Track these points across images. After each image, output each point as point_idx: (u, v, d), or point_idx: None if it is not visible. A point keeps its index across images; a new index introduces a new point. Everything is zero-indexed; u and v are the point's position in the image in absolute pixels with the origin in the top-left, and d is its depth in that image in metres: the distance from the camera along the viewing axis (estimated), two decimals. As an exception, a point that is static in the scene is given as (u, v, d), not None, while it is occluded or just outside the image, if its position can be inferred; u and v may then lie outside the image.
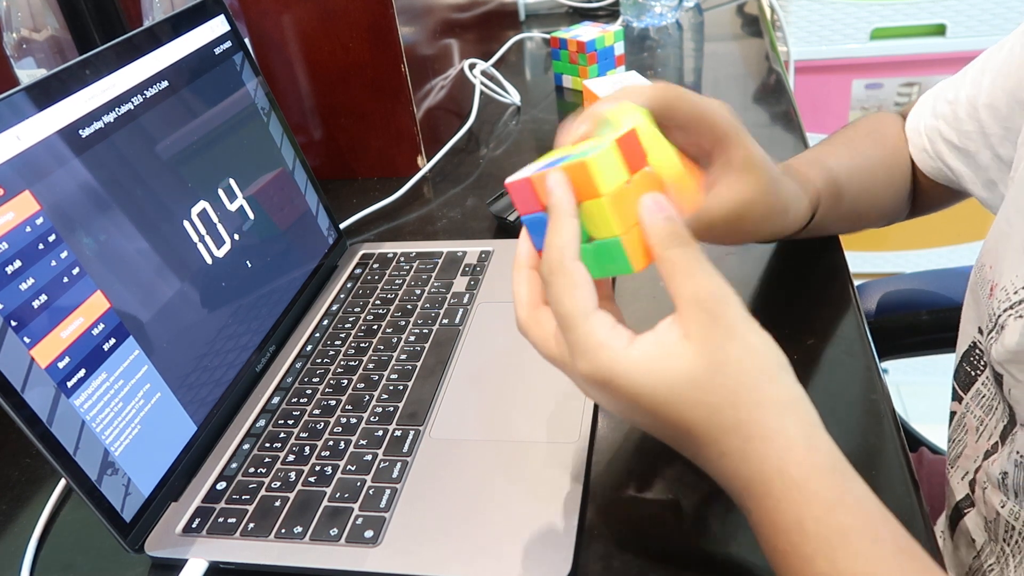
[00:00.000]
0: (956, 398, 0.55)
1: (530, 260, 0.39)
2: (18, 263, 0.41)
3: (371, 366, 0.56)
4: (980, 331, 0.52)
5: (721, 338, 0.33)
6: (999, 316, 0.46)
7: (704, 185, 0.46)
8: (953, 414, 0.56)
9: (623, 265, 0.36)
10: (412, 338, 0.58)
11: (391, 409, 0.52)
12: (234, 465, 0.49)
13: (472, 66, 0.98)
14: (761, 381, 0.34)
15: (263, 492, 0.47)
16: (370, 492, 0.46)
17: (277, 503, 0.46)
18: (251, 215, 0.60)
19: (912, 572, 0.31)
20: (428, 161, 0.85)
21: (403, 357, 0.57)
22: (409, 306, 0.62)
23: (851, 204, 0.58)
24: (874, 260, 1.69)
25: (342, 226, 0.74)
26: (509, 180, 0.39)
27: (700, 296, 0.34)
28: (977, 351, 0.53)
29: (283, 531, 0.44)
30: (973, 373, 0.53)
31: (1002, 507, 0.48)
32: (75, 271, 0.44)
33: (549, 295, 0.36)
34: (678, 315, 0.34)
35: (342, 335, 0.60)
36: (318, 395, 0.54)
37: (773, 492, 0.33)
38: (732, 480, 0.34)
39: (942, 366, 0.58)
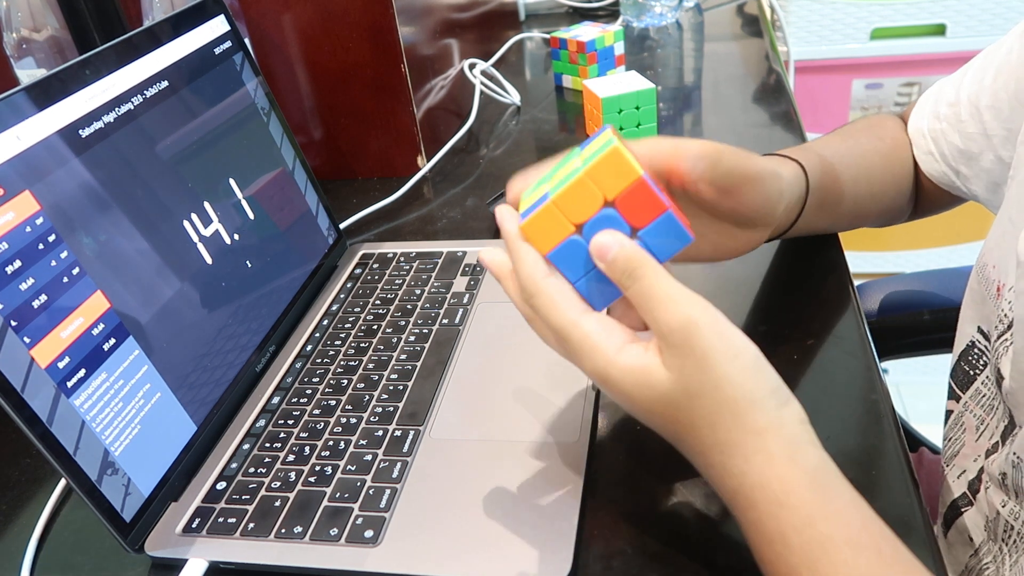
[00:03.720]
0: (953, 397, 0.55)
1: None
2: (18, 263, 0.41)
3: (371, 366, 0.56)
4: (980, 331, 0.52)
5: (693, 370, 0.34)
6: (1012, 319, 0.45)
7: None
8: (950, 413, 0.56)
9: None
10: (412, 338, 0.58)
11: (391, 409, 0.52)
12: (234, 465, 0.49)
13: (472, 66, 0.98)
14: (739, 408, 0.34)
15: (263, 492, 0.47)
16: (370, 492, 0.46)
17: (277, 503, 0.46)
18: (251, 215, 0.60)
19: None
20: (428, 161, 0.85)
21: (403, 357, 0.57)
22: (409, 306, 0.62)
23: (849, 190, 0.58)
24: (874, 260, 1.69)
25: (342, 226, 0.74)
26: (523, 223, 0.38)
27: (668, 329, 0.34)
28: (976, 350, 0.52)
29: (283, 531, 0.44)
30: (972, 372, 0.53)
31: (1003, 507, 0.48)
32: (75, 271, 0.44)
33: (538, 317, 0.38)
34: (656, 342, 0.36)
35: (342, 335, 0.60)
36: (318, 395, 0.54)
37: (756, 505, 0.34)
38: (719, 490, 0.36)
39: (942, 366, 0.58)
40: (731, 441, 0.34)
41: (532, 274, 0.37)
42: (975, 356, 0.53)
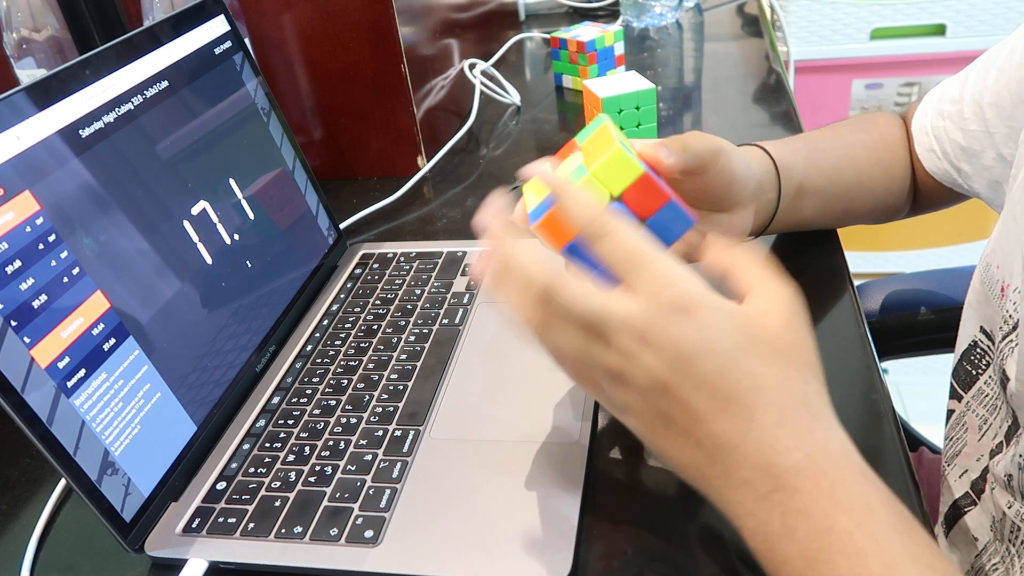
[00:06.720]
0: (955, 396, 0.55)
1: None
2: (18, 263, 0.41)
3: (371, 366, 0.56)
4: (983, 331, 0.52)
5: (801, 324, 0.36)
6: (1017, 320, 0.45)
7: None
8: (951, 412, 0.56)
9: None
10: (412, 338, 0.58)
11: (391, 409, 0.52)
12: (234, 465, 0.49)
13: (472, 66, 0.98)
14: (821, 378, 0.35)
15: (263, 492, 0.47)
16: (370, 492, 0.46)
17: (277, 503, 0.46)
18: (251, 215, 0.60)
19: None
20: (428, 161, 0.85)
21: (403, 357, 0.57)
22: (409, 306, 0.62)
23: (834, 176, 0.59)
24: (874, 260, 1.69)
25: (342, 226, 0.74)
26: (534, 225, 0.39)
27: (781, 288, 0.36)
28: (979, 350, 0.52)
29: (283, 531, 0.44)
30: (974, 372, 0.53)
31: (1008, 508, 0.48)
32: (75, 271, 0.44)
33: (608, 243, 0.35)
34: (758, 295, 0.36)
35: (342, 335, 0.60)
36: (318, 395, 0.54)
37: (839, 469, 0.33)
38: (784, 453, 0.33)
39: (942, 366, 0.58)
40: (819, 401, 0.34)
41: (543, 270, 0.35)
42: (978, 356, 0.53)
